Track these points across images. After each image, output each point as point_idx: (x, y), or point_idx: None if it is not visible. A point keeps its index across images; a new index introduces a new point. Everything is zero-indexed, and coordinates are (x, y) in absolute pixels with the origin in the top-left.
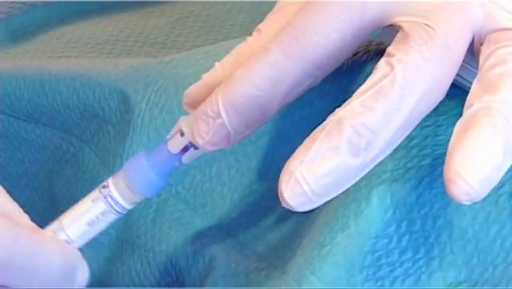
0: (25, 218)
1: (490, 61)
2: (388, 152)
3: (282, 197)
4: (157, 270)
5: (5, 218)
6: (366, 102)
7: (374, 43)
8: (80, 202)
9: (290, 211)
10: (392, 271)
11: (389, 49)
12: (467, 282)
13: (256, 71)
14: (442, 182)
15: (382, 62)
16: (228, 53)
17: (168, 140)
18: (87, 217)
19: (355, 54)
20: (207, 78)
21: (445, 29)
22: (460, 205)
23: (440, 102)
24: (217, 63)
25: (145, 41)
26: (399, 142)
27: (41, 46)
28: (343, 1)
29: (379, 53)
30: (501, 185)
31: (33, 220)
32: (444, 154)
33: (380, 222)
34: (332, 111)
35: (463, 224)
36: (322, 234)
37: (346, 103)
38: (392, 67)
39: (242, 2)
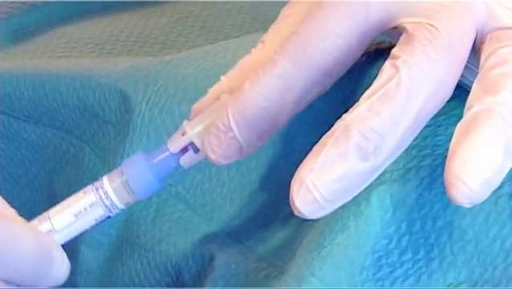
0: (5, 207)
1: (491, 60)
2: (397, 154)
3: (294, 205)
4: (157, 270)
5: None
6: (372, 106)
7: (374, 43)
8: (73, 195)
9: (291, 212)
10: (391, 272)
11: (394, 51)
12: (467, 282)
13: (264, 82)
14: (442, 183)
15: (387, 64)
16: (228, 53)
17: (168, 141)
18: (74, 208)
19: None
20: (213, 91)
21: (449, 28)
22: (459, 206)
23: None
24: (222, 77)
25: (145, 41)
26: (407, 144)
27: (41, 46)
28: (347, 6)
29: (380, 54)
30: (500, 186)
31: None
32: (444, 154)
33: (380, 223)
34: (332, 112)
35: (463, 225)
36: (322, 235)
37: (353, 107)
38: (397, 69)
39: (242, 2)
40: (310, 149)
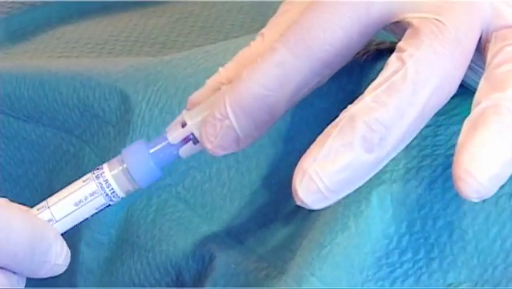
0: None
1: (498, 58)
2: (401, 147)
3: (297, 194)
4: (157, 270)
5: None
6: (378, 97)
7: (374, 43)
8: (72, 184)
9: (292, 211)
10: (392, 272)
11: (400, 44)
12: (467, 282)
13: (263, 70)
14: (442, 182)
15: (393, 57)
16: (228, 53)
17: (168, 131)
18: (74, 197)
19: (355, 54)
20: (210, 83)
21: (456, 23)
22: (460, 206)
23: None
24: (220, 68)
25: (145, 41)
26: (412, 138)
27: (41, 46)
28: None
29: (380, 54)
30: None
31: None
32: (445, 154)
33: (380, 223)
34: (332, 112)
35: (463, 225)
36: (322, 235)
37: (358, 99)
38: (403, 61)
39: (242, 2)
40: None
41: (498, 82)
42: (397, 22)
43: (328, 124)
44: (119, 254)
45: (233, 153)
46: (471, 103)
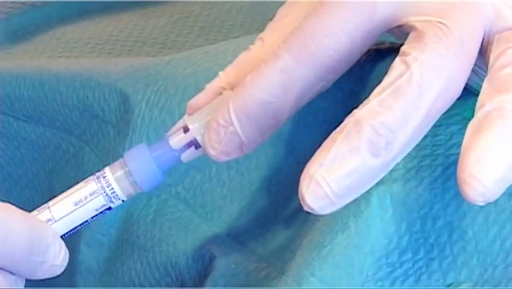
0: None
1: (501, 61)
2: (407, 151)
3: (304, 200)
4: (157, 270)
5: None
6: (384, 101)
7: (374, 44)
8: (73, 186)
9: (291, 212)
10: (391, 272)
11: (404, 48)
12: (467, 282)
13: (266, 77)
14: (442, 182)
15: (397, 61)
16: (228, 53)
17: (170, 135)
18: (74, 197)
19: None
20: (210, 87)
21: (459, 26)
22: (460, 206)
23: None
24: (220, 72)
25: (145, 41)
26: (418, 141)
27: (41, 46)
28: (353, 3)
29: (380, 54)
30: None
31: None
32: (445, 154)
33: (380, 223)
34: (331, 112)
35: (463, 225)
36: (321, 235)
37: (363, 103)
38: (407, 65)
39: (242, 2)
40: (310, 148)
41: (502, 84)
42: (400, 25)
43: (327, 124)
44: (119, 254)
45: None
46: (471, 103)
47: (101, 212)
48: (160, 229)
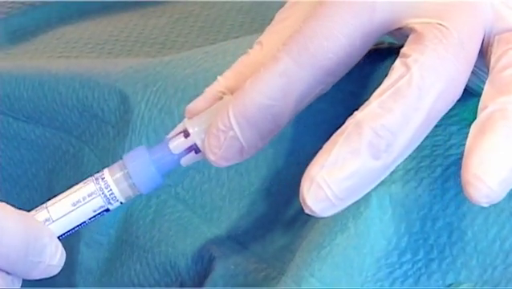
0: None
1: (502, 62)
2: (408, 153)
3: (305, 203)
4: (156, 270)
5: None
6: (384, 103)
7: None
8: (72, 187)
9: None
10: (391, 273)
11: (404, 50)
12: (466, 283)
13: (266, 80)
14: (441, 183)
15: (397, 63)
16: (227, 54)
17: (170, 139)
18: (73, 197)
19: None
20: (209, 91)
21: (459, 27)
22: (459, 207)
23: None
24: (219, 77)
25: (145, 41)
26: (418, 143)
27: (40, 46)
28: (352, 6)
29: (379, 54)
30: None
31: None
32: (444, 155)
33: (379, 224)
34: (330, 112)
35: (462, 225)
36: (321, 236)
37: (363, 105)
38: (408, 67)
39: (242, 2)
40: (310, 149)
41: (504, 85)
42: (400, 28)
43: (327, 125)
44: (119, 254)
45: None
46: (470, 104)
47: (99, 213)
48: (159, 230)
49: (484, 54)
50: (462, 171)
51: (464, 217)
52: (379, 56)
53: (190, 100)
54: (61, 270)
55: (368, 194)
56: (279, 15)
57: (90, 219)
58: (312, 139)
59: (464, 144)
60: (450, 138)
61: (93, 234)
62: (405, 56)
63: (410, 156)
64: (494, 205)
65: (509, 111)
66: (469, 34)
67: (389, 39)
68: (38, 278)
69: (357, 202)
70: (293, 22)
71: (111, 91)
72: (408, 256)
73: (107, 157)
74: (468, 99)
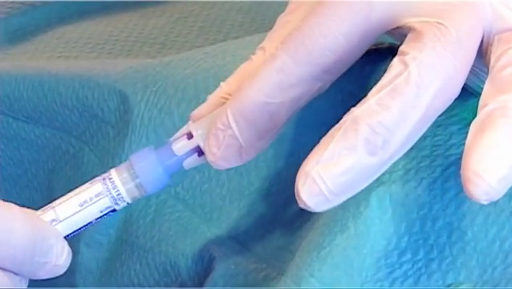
0: None
1: (502, 61)
2: (405, 150)
3: (299, 196)
4: (156, 270)
5: None
6: (382, 100)
7: (373, 45)
8: (79, 187)
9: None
10: (391, 273)
11: (402, 48)
12: (466, 283)
13: (263, 77)
14: (441, 183)
15: (396, 60)
16: (227, 54)
17: (173, 141)
18: (79, 197)
19: None
20: (212, 98)
21: (458, 26)
22: (459, 207)
23: None
24: (222, 83)
25: (145, 41)
26: (415, 140)
27: (40, 46)
28: (350, 5)
29: (379, 55)
30: None
31: None
32: (444, 155)
33: (379, 224)
34: (330, 113)
35: (462, 225)
36: (321, 236)
37: (361, 102)
38: (406, 65)
39: (242, 2)
40: (309, 150)
41: (504, 84)
42: (398, 27)
43: (327, 125)
44: (119, 254)
45: None
46: (470, 104)
47: (105, 214)
48: (159, 230)
49: (484, 53)
50: (462, 168)
51: (464, 217)
52: (379, 57)
53: (190, 100)
54: None
55: (368, 194)
56: (281, 20)
57: (96, 220)
58: (312, 140)
59: (464, 144)
60: (450, 138)
61: (93, 234)
62: (403, 54)
63: (410, 156)
64: (494, 206)
65: (510, 109)
66: (467, 33)
67: (389, 40)
68: (44, 278)
69: (357, 202)
70: (294, 27)
71: (111, 91)
72: (408, 256)
73: (107, 157)
74: (468, 98)
